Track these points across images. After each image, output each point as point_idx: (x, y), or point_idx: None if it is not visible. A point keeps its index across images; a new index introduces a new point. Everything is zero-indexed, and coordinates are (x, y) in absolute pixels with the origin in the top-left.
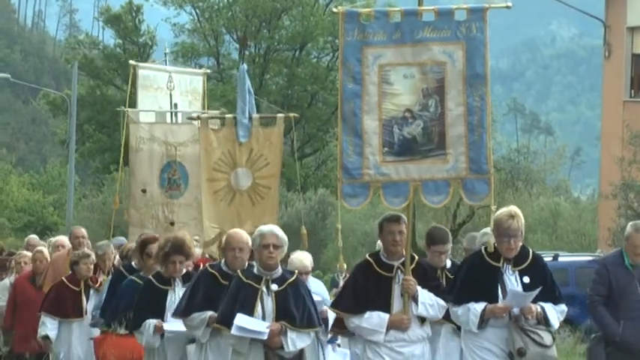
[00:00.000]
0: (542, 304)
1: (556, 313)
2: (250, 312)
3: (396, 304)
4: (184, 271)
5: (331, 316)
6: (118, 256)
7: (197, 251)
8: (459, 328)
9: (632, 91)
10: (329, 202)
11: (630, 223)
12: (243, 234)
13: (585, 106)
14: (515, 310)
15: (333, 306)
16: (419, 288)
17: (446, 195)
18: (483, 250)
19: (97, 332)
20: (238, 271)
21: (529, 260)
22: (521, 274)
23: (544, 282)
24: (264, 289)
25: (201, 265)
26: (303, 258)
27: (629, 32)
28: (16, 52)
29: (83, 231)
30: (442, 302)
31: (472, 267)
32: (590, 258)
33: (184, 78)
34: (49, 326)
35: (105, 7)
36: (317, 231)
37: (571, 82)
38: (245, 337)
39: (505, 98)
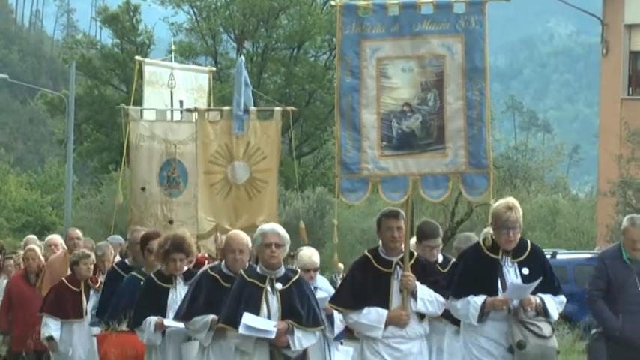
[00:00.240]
0: (541, 295)
1: (555, 304)
2: (256, 311)
3: (395, 300)
4: (185, 268)
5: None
6: (118, 256)
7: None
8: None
9: (630, 88)
10: (327, 201)
11: (627, 217)
12: (243, 235)
13: (583, 104)
14: (515, 302)
15: (332, 302)
16: (418, 284)
17: (445, 190)
18: (482, 243)
19: (97, 331)
20: (241, 270)
21: (527, 251)
22: (520, 265)
23: (543, 273)
24: (268, 288)
25: (205, 263)
26: (311, 254)
27: (627, 30)
28: (14, 52)
29: (78, 232)
30: (441, 298)
31: (470, 260)
32: (588, 255)
33: (189, 75)
34: (52, 327)
35: (102, 6)
36: (315, 229)
37: (569, 79)
38: (252, 336)
39: (503, 96)
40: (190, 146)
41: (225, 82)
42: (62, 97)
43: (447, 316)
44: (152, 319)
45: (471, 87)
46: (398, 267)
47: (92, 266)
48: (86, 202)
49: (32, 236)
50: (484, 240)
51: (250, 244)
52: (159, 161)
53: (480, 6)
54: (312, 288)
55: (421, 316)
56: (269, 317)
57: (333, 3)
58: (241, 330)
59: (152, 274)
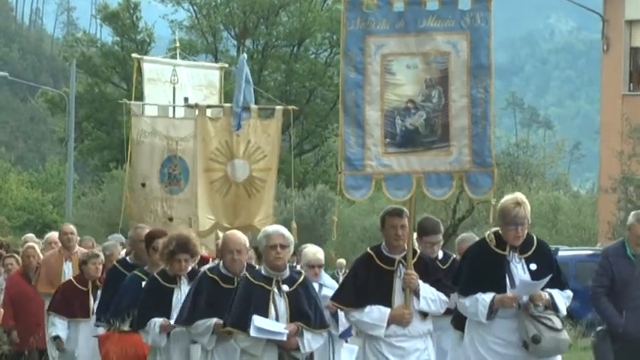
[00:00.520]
0: (549, 290)
1: (563, 299)
2: (264, 314)
3: (397, 298)
4: (189, 268)
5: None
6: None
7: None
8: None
9: (631, 84)
10: (328, 198)
11: (632, 212)
12: (240, 235)
13: (584, 100)
14: (524, 299)
15: (334, 300)
16: (421, 282)
17: (449, 188)
18: (487, 239)
19: (101, 331)
20: (245, 272)
21: (534, 247)
22: (528, 261)
23: (550, 268)
24: (275, 290)
25: (210, 261)
26: (316, 251)
27: (628, 26)
28: (14, 50)
29: (72, 227)
30: (444, 297)
31: (477, 257)
32: (590, 252)
33: (197, 72)
34: (59, 326)
35: (102, 4)
36: (316, 227)
37: (570, 76)
38: (263, 338)
39: (504, 92)
40: (192, 143)
41: (226, 80)
42: (62, 95)
43: (451, 320)
44: (157, 321)
45: (476, 84)
46: (401, 265)
47: (101, 266)
48: (87, 200)
49: (30, 235)
50: (488, 236)
51: (248, 244)
52: (160, 157)
53: (486, 3)
54: (318, 285)
55: (424, 314)
56: (277, 320)
57: None
58: (253, 333)
59: (156, 274)
